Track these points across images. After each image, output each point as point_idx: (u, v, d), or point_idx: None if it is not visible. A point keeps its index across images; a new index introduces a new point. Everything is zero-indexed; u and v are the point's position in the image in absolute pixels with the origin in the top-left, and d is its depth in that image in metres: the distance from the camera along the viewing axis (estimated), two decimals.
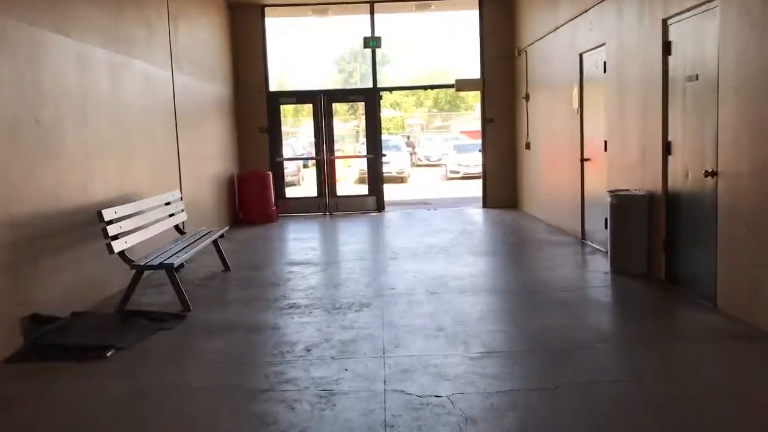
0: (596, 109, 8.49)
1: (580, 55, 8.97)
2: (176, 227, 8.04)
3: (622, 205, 6.99)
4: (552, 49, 10.38)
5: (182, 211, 8.32)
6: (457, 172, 23.88)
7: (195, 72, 10.32)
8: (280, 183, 13.45)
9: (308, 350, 4.92)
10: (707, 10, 5.63)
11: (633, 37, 7.18)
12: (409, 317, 5.71)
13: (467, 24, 13.40)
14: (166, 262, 6.19)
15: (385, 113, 37.94)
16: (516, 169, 13.14)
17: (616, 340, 5.15)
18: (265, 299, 6.54)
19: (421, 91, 41.07)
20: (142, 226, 6.86)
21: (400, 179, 23.22)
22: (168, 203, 7.92)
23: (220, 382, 4.43)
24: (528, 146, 12.05)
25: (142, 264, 6.18)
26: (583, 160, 9.06)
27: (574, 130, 9.32)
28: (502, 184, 13.33)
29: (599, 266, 7.50)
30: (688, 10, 5.92)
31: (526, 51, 11.96)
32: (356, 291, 6.72)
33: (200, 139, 10.54)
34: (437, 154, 29.36)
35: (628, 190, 7.19)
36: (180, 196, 8.53)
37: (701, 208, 5.85)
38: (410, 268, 7.73)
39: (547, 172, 11.00)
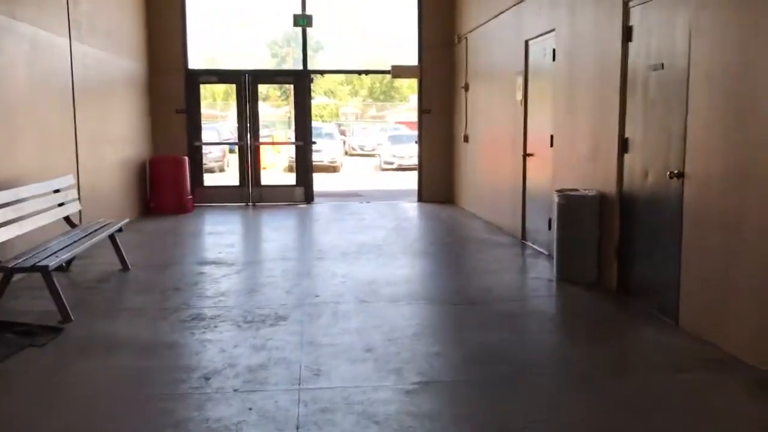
0: (542, 101, 7.84)
1: (526, 42, 8.30)
2: (67, 219, 6.93)
3: (571, 206, 6.35)
4: (495, 35, 9.69)
5: (76, 199, 7.21)
6: (392, 163, 23.36)
7: (100, 43, 9.12)
8: (198, 169, 12.29)
9: (207, 379, 4.01)
10: None
11: (588, 22, 6.53)
12: (334, 334, 4.87)
13: (405, 7, 12.56)
14: (40, 263, 5.12)
15: (320, 101, 36.83)
16: (453, 162, 12.45)
17: (571, 366, 4.42)
18: (163, 308, 5.55)
19: (356, 80, 40.14)
20: (19, 218, 5.77)
21: (332, 168, 22.39)
22: (57, 191, 6.81)
23: (87, 427, 3.47)
24: (466, 139, 11.38)
25: (11, 266, 5.11)
26: (525, 155, 8.42)
27: (516, 123, 8.66)
28: (438, 178, 12.61)
29: (543, 272, 6.86)
30: None
31: (466, 37, 11.25)
32: (274, 299, 5.83)
33: (105, 119, 9.35)
34: (371, 144, 28.59)
35: (576, 189, 6.56)
36: (74, 182, 7.40)
37: (662, 213, 5.24)
38: (338, 271, 6.89)
39: (486, 167, 10.34)
